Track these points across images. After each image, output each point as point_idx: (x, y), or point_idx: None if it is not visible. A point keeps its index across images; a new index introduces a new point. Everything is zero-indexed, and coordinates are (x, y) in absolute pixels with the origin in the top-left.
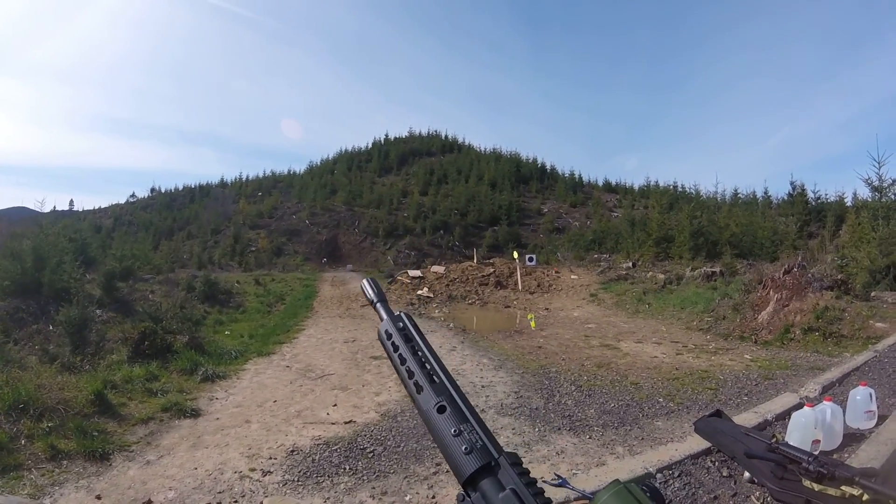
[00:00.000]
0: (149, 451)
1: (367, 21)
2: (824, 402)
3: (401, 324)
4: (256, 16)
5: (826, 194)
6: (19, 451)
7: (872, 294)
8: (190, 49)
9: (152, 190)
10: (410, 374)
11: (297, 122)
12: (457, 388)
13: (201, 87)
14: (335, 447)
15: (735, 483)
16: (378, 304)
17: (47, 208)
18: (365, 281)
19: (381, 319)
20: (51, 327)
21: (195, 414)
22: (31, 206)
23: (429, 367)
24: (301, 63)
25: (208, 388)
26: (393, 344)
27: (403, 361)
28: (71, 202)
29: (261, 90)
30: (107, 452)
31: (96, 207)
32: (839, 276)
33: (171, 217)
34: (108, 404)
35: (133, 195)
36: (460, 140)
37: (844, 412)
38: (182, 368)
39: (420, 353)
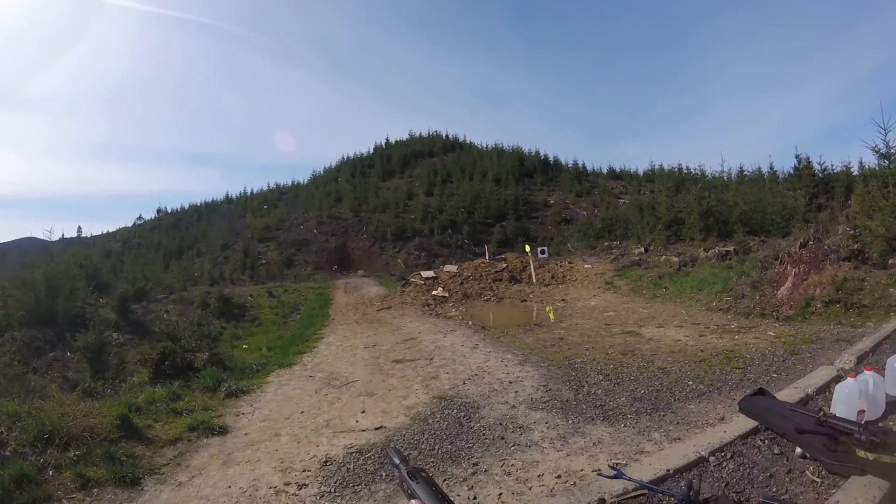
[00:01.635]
0: (180, 473)
1: (361, 30)
2: (865, 371)
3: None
4: (249, 33)
5: (832, 165)
6: (48, 483)
7: (890, 262)
8: (186, 72)
9: (158, 211)
10: None
11: (291, 136)
12: None
13: (200, 107)
14: (368, 454)
15: (788, 459)
16: (401, 465)
17: (55, 237)
18: (389, 450)
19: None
20: (69, 354)
21: (223, 431)
22: (40, 236)
23: None
24: (297, 76)
25: (233, 403)
26: None
27: None
28: (79, 229)
29: (259, 106)
30: (137, 477)
31: (104, 232)
32: (855, 247)
33: (179, 236)
34: (134, 428)
35: (140, 217)
36: (461, 139)
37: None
38: (205, 386)
39: None
